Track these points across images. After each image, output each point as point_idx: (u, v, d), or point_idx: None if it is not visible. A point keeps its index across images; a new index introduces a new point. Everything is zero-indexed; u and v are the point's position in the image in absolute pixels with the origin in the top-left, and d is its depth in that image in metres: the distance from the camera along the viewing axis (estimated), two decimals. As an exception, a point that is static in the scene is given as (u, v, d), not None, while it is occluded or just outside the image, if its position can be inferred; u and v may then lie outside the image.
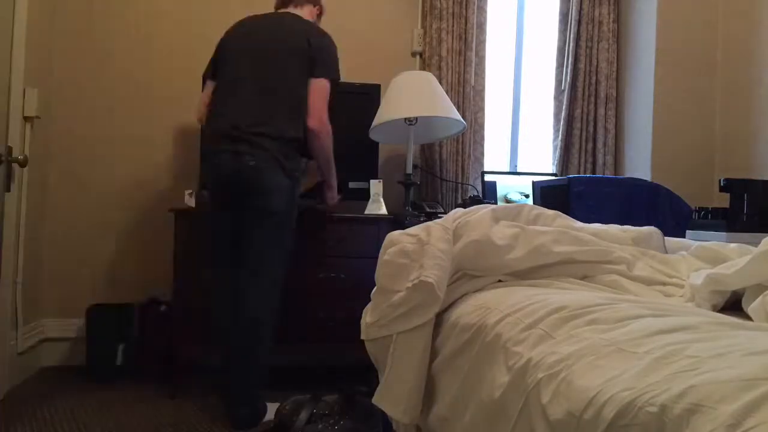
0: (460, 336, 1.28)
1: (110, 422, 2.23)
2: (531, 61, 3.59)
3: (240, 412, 2.19)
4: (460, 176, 3.25)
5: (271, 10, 2.50)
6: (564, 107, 3.44)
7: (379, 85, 2.99)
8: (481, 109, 3.34)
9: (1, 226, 2.38)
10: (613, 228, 1.67)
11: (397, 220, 2.64)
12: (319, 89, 2.26)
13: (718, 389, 0.69)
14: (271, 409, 2.20)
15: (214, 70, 2.39)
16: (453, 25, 3.24)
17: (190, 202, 2.66)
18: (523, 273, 1.46)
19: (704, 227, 2.80)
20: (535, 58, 3.60)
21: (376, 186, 2.82)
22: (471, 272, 1.47)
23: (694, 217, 2.98)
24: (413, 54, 3.28)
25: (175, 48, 3.06)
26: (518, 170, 3.53)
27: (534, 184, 2.87)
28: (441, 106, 2.81)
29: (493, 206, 1.59)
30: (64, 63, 2.95)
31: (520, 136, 3.58)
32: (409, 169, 2.86)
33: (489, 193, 3.21)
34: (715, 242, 1.64)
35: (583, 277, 1.47)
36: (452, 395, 1.24)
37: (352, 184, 2.93)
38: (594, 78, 3.47)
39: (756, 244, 1.18)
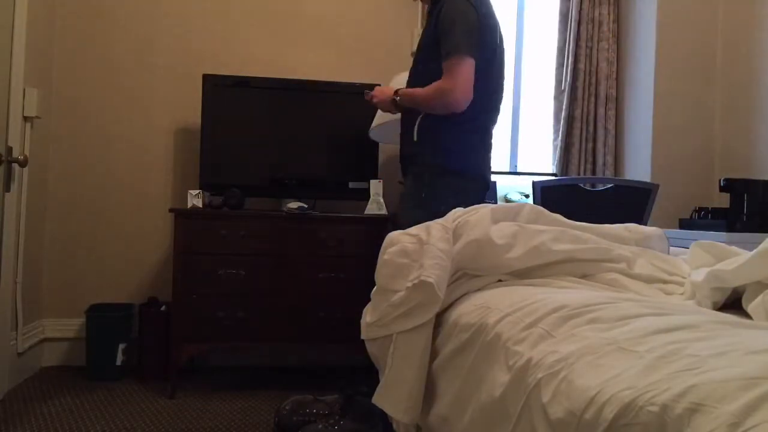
0: (461, 335, 1.27)
1: (110, 422, 2.23)
2: (531, 61, 3.59)
3: None
4: (460, 176, 3.24)
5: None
6: (564, 107, 3.43)
7: (379, 85, 2.98)
8: (481, 109, 3.33)
9: (1, 226, 2.38)
10: (618, 228, 1.66)
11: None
12: None
13: (719, 388, 0.69)
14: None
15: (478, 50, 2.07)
16: (453, 25, 3.23)
17: (196, 201, 2.67)
18: (523, 272, 1.46)
19: (704, 227, 2.80)
20: (535, 58, 3.60)
21: (376, 186, 2.82)
22: (471, 272, 1.47)
23: (693, 217, 2.99)
24: (413, 54, 3.27)
25: (174, 48, 3.05)
26: (518, 170, 3.52)
27: (534, 184, 2.87)
28: (441, 106, 2.80)
29: (493, 206, 1.59)
30: (64, 63, 2.95)
31: (520, 136, 3.58)
32: (409, 169, 2.86)
33: (489, 193, 3.20)
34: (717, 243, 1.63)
35: (583, 276, 1.47)
36: (452, 395, 1.24)
37: (352, 184, 2.93)
38: (594, 78, 3.46)
39: (756, 244, 1.18)
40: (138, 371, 2.76)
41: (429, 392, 1.36)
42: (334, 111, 2.98)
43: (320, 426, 2.06)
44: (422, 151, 2.15)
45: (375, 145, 2.97)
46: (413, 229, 1.49)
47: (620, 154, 3.49)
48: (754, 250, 1.14)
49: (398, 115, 2.75)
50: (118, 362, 2.75)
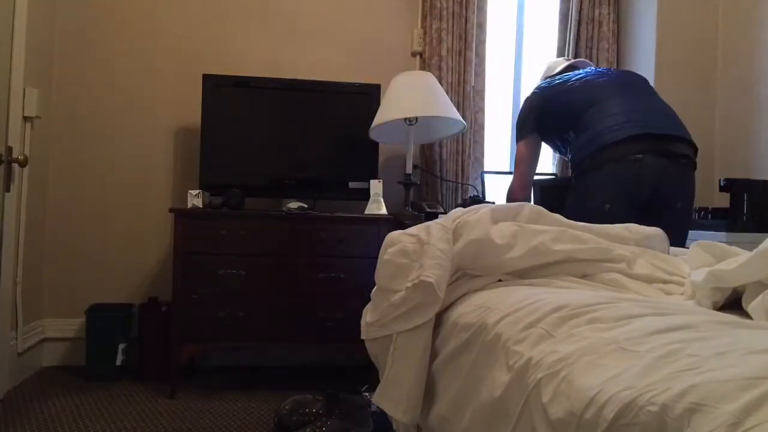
0: (460, 335, 1.27)
1: (110, 422, 2.23)
2: (531, 61, 3.59)
3: None
4: (460, 176, 3.25)
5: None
6: (564, 107, 3.43)
7: (379, 85, 2.99)
8: (481, 109, 3.34)
9: (1, 226, 2.38)
10: (618, 228, 1.66)
11: (397, 220, 2.64)
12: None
13: (719, 388, 0.69)
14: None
15: None
16: (453, 25, 3.24)
17: (196, 201, 2.67)
18: (523, 272, 1.46)
19: (704, 227, 2.79)
20: (535, 58, 3.60)
21: (376, 186, 2.82)
22: (471, 272, 1.47)
23: (694, 217, 2.98)
24: (413, 54, 3.28)
25: (174, 48, 3.05)
26: (518, 170, 3.51)
27: (534, 183, 2.86)
28: (441, 106, 2.81)
29: (493, 206, 1.59)
30: (64, 63, 2.95)
31: (520, 136, 3.58)
32: (409, 169, 2.86)
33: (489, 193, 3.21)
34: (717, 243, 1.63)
35: (583, 276, 1.47)
36: (452, 395, 1.24)
37: (352, 184, 2.93)
38: (594, 78, 3.46)
39: (756, 244, 1.17)
40: (138, 371, 2.76)
41: (429, 392, 1.36)
42: (334, 111, 2.98)
43: (308, 430, 2.06)
44: None
45: (375, 145, 2.98)
46: (413, 229, 1.49)
47: (620, 154, 3.48)
48: (754, 250, 1.14)
49: (398, 115, 2.76)
50: (118, 362, 2.75)
